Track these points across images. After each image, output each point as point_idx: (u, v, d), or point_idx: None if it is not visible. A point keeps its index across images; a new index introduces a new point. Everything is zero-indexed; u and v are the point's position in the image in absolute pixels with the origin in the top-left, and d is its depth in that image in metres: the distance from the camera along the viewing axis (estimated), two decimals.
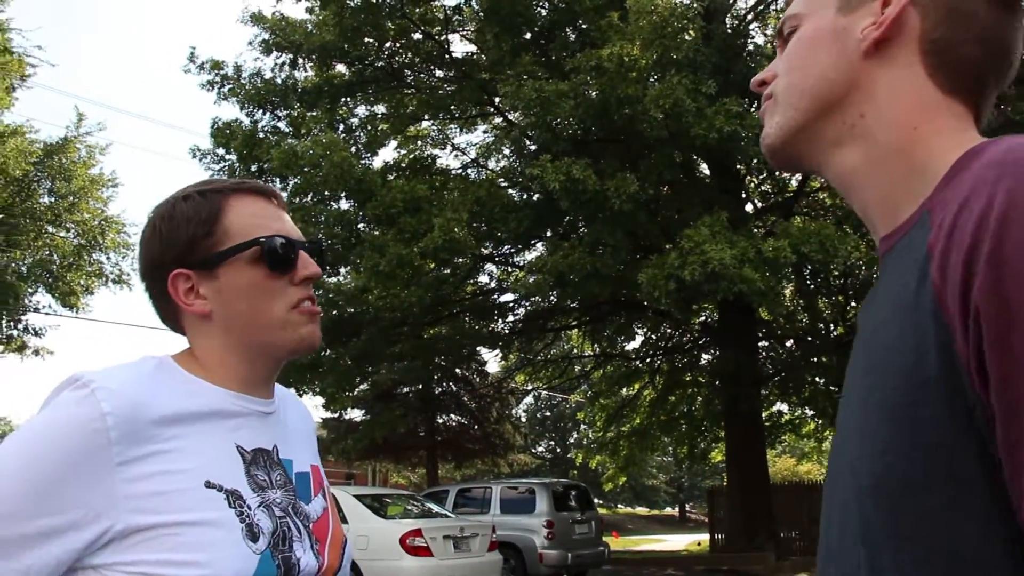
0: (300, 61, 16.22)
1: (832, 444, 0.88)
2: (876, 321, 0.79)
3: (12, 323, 20.98)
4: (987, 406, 0.65)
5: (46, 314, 21.68)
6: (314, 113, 15.90)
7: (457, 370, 27.24)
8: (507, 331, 18.74)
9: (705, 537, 24.89)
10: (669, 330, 19.70)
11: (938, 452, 0.68)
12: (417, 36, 16.09)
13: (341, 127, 16.65)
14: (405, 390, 26.98)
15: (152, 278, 1.24)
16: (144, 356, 1.20)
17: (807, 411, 19.95)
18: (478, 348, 21.01)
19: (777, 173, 15.15)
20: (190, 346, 1.24)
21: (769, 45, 15.07)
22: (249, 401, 1.21)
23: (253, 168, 15.37)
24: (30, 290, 21.19)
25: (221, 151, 15.75)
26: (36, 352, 21.60)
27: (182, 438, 1.10)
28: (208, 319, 1.21)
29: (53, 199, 21.06)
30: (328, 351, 15.30)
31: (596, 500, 18.28)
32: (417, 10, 15.55)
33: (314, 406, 20.38)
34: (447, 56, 16.24)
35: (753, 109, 11.33)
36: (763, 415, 18.77)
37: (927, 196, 0.77)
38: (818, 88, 0.89)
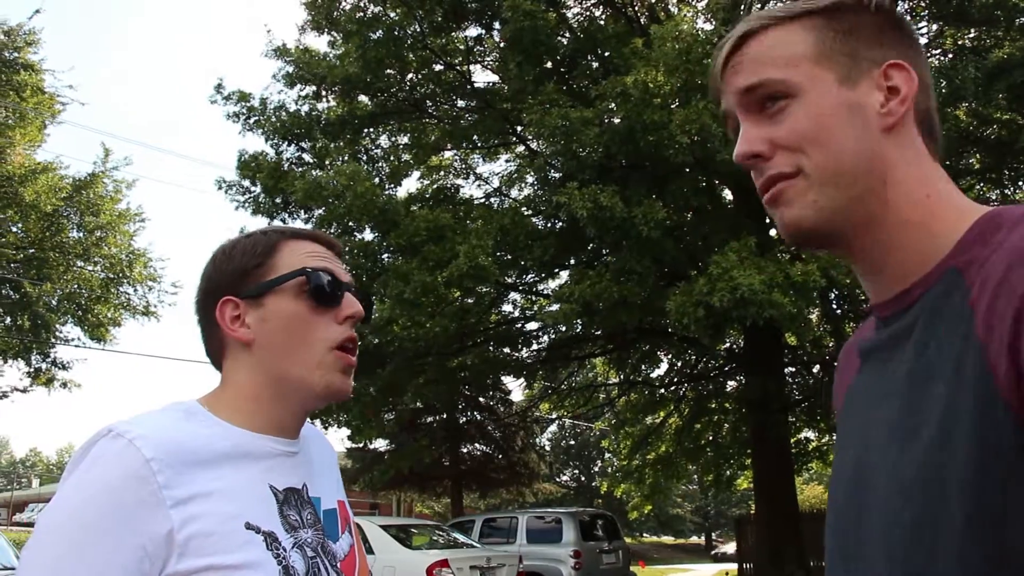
0: (323, 93, 16.36)
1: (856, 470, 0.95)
2: (912, 367, 0.84)
3: (42, 355, 21.15)
4: None
5: (76, 346, 21.86)
6: (338, 144, 16.00)
7: (481, 399, 27.22)
8: (531, 360, 18.70)
9: (733, 567, 24.58)
10: (694, 357, 19.57)
11: (966, 492, 0.74)
12: (439, 67, 16.19)
13: (364, 158, 16.73)
14: (429, 420, 26.96)
15: (204, 306, 1.28)
16: (170, 403, 1.22)
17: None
18: (502, 377, 20.96)
19: None
20: (222, 383, 1.26)
21: None
22: (276, 442, 1.23)
23: (278, 200, 15.47)
24: (60, 323, 21.37)
25: (247, 183, 15.85)
26: (64, 385, 21.72)
27: (221, 479, 1.12)
28: (249, 349, 1.23)
29: (82, 234, 21.22)
30: (354, 383, 15.28)
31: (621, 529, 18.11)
32: (439, 41, 15.66)
33: (339, 439, 20.36)
34: (469, 86, 16.33)
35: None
36: (791, 442, 18.55)
37: (945, 255, 0.84)
38: (854, 166, 0.90)
